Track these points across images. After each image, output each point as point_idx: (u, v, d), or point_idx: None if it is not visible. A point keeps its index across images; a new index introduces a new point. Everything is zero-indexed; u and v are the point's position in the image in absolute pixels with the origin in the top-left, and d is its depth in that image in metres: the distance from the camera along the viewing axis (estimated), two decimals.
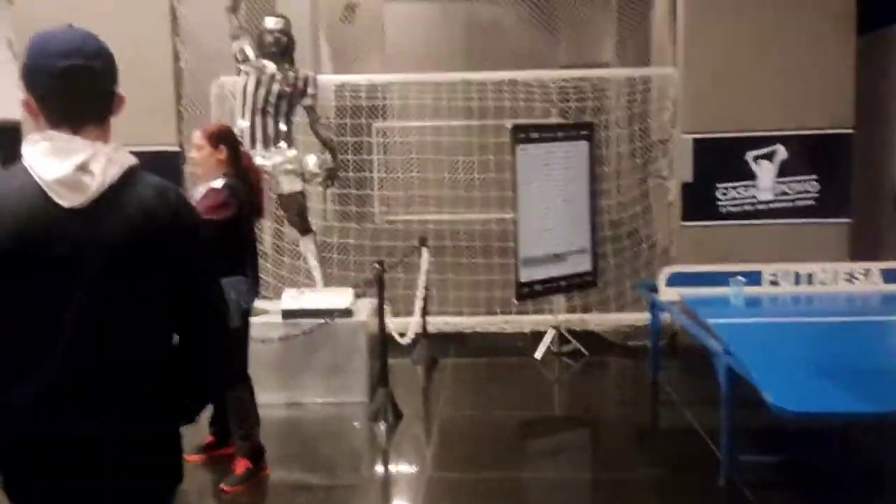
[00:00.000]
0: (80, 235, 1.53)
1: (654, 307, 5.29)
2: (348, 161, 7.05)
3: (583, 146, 6.24)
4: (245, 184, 3.95)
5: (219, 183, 3.80)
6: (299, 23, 13.56)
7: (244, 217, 3.94)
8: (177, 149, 6.23)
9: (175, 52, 6.37)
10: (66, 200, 1.53)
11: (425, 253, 5.99)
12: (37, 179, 1.54)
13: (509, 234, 6.41)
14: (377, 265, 4.84)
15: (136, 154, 1.70)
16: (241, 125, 5.28)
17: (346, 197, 7.32)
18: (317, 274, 5.64)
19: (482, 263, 6.86)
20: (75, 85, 1.58)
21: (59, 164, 1.54)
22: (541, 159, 6.02)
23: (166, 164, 5.81)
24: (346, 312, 5.06)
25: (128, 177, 1.60)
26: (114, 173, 1.58)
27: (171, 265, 1.62)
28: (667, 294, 5.06)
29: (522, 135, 5.97)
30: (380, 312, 4.87)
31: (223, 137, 3.94)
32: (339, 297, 5.15)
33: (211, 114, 6.35)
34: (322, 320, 4.96)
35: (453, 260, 6.87)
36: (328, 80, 6.78)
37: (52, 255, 1.52)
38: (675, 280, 5.09)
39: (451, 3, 13.33)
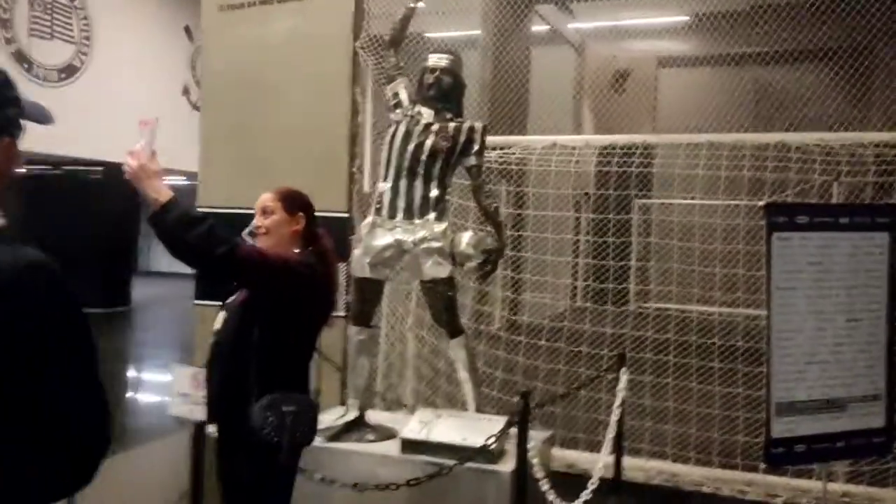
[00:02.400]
0: None
1: None
2: (608, 244, 5.87)
3: (882, 239, 4.14)
4: (322, 269, 2.74)
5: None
6: (563, 90, 12.54)
7: (317, 312, 2.77)
8: (345, 214, 5.26)
9: (353, 105, 5.44)
10: None
11: (623, 377, 4.27)
12: None
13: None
14: (522, 397, 3.27)
15: None
16: (380, 188, 4.08)
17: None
18: (468, 392, 4.17)
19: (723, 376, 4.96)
20: None
21: None
22: (811, 255, 4.05)
23: (334, 232, 4.88)
24: (484, 454, 3.53)
25: None
26: None
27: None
28: None
29: (783, 218, 4.06)
30: (519, 464, 3.27)
31: (302, 204, 2.85)
32: (484, 428, 3.64)
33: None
34: (445, 463, 3.48)
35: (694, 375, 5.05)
36: (590, 140, 5.64)
37: None
38: None
39: (736, 67, 11.46)
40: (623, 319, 5.81)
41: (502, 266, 5.88)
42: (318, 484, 3.51)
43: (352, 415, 4.07)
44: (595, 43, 13.25)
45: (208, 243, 2.39)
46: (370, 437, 3.99)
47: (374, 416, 4.36)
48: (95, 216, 12.89)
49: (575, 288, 11.22)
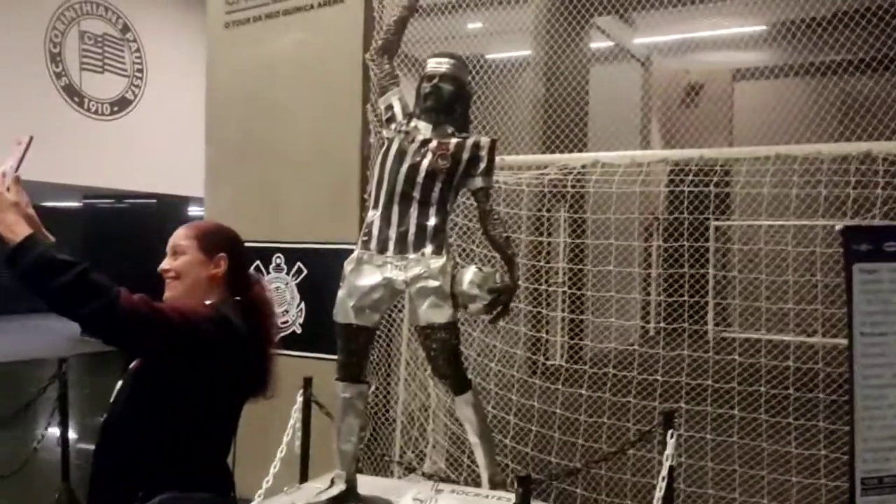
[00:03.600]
0: None
1: None
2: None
3: None
4: (250, 326, 2.14)
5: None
6: (628, 105, 11.76)
7: (234, 384, 2.15)
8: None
9: (365, 124, 4.88)
10: None
11: (671, 441, 3.49)
12: None
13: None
14: (520, 484, 2.56)
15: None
16: (369, 217, 3.46)
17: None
18: (481, 460, 3.46)
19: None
20: None
21: None
22: None
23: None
24: None
25: None
26: None
27: None
28: None
29: (866, 245, 3.24)
30: None
31: (223, 242, 2.26)
32: None
33: None
34: None
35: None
36: (636, 157, 4.92)
37: None
38: None
39: (821, 77, 10.52)
40: (696, 365, 4.96)
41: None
42: None
43: (338, 488, 3.43)
44: (662, 56, 12.44)
45: (76, 294, 1.82)
46: None
47: (370, 483, 3.71)
48: (149, 247, 12.75)
49: (644, 328, 10.36)
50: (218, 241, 2.24)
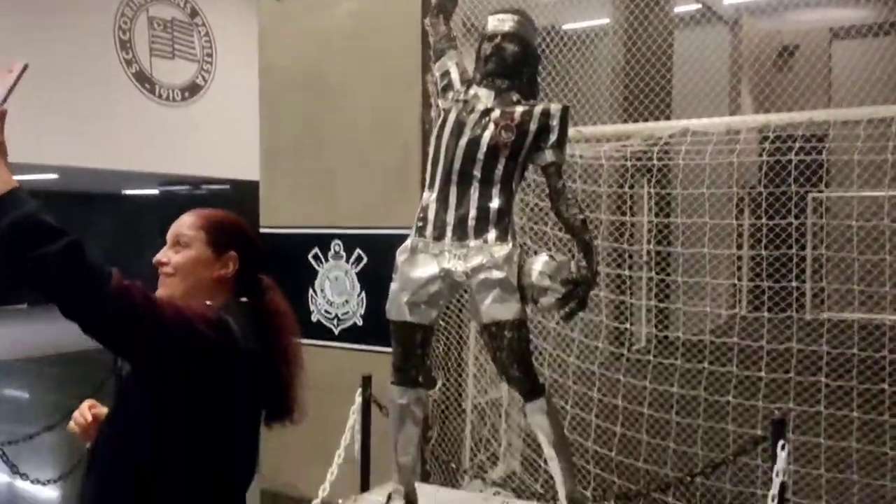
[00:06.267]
0: None
1: None
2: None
3: None
4: (260, 337, 1.78)
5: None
6: (716, 71, 10.99)
7: (242, 403, 1.75)
8: None
9: (425, 97, 4.47)
10: None
11: (783, 454, 2.97)
12: None
13: None
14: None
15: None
16: (424, 199, 3.04)
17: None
18: (557, 474, 3.03)
19: None
20: None
21: None
22: None
23: None
24: None
25: None
26: None
27: None
28: None
29: None
30: None
31: (236, 238, 1.88)
32: None
33: None
34: None
35: None
36: (731, 123, 4.40)
37: None
38: None
39: None
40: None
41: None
42: None
43: (396, 503, 3.06)
44: (753, 18, 11.59)
45: (62, 269, 1.42)
46: None
47: (433, 496, 3.34)
48: None
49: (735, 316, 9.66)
50: (230, 235, 1.87)
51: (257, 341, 1.75)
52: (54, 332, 12.51)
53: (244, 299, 1.84)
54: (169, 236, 1.86)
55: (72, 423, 1.88)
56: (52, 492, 4.14)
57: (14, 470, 3.81)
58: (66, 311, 1.45)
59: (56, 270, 1.42)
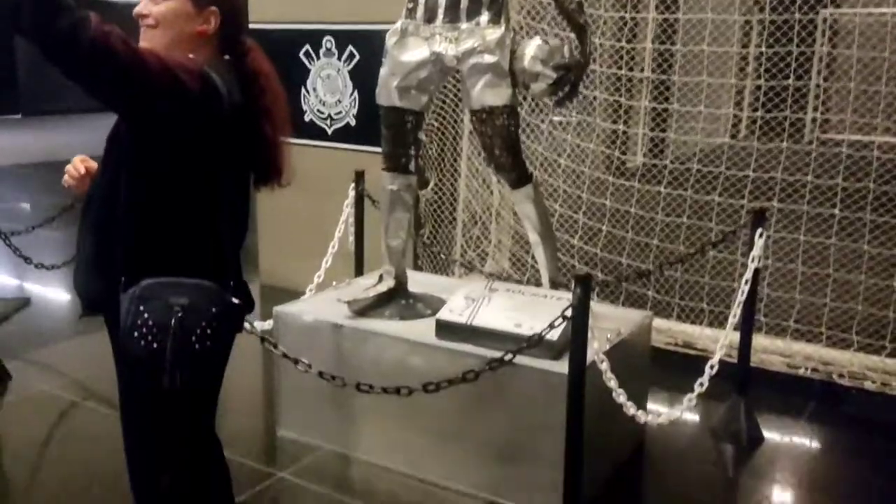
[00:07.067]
0: None
1: None
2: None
3: None
4: (244, 95, 1.79)
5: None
6: None
7: (227, 150, 1.78)
8: None
9: None
10: None
11: (760, 241, 3.08)
12: None
13: None
14: (578, 282, 2.23)
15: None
16: None
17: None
18: (541, 259, 3.15)
19: None
20: None
21: None
22: None
23: None
24: (539, 345, 2.57)
25: None
26: None
27: None
28: None
29: None
30: (574, 370, 2.30)
31: None
32: (551, 310, 2.64)
33: None
34: (491, 354, 2.59)
35: None
36: None
37: None
38: None
39: None
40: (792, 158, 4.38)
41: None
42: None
43: (386, 284, 3.19)
44: None
45: (35, 5, 1.42)
46: (408, 312, 3.13)
47: (423, 281, 3.49)
48: None
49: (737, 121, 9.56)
50: None
51: (241, 98, 1.76)
52: (46, 141, 12.52)
53: (227, 57, 1.83)
54: None
55: (66, 177, 1.94)
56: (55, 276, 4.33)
57: (18, 254, 3.94)
58: (47, 49, 1.45)
59: (33, 8, 1.40)
